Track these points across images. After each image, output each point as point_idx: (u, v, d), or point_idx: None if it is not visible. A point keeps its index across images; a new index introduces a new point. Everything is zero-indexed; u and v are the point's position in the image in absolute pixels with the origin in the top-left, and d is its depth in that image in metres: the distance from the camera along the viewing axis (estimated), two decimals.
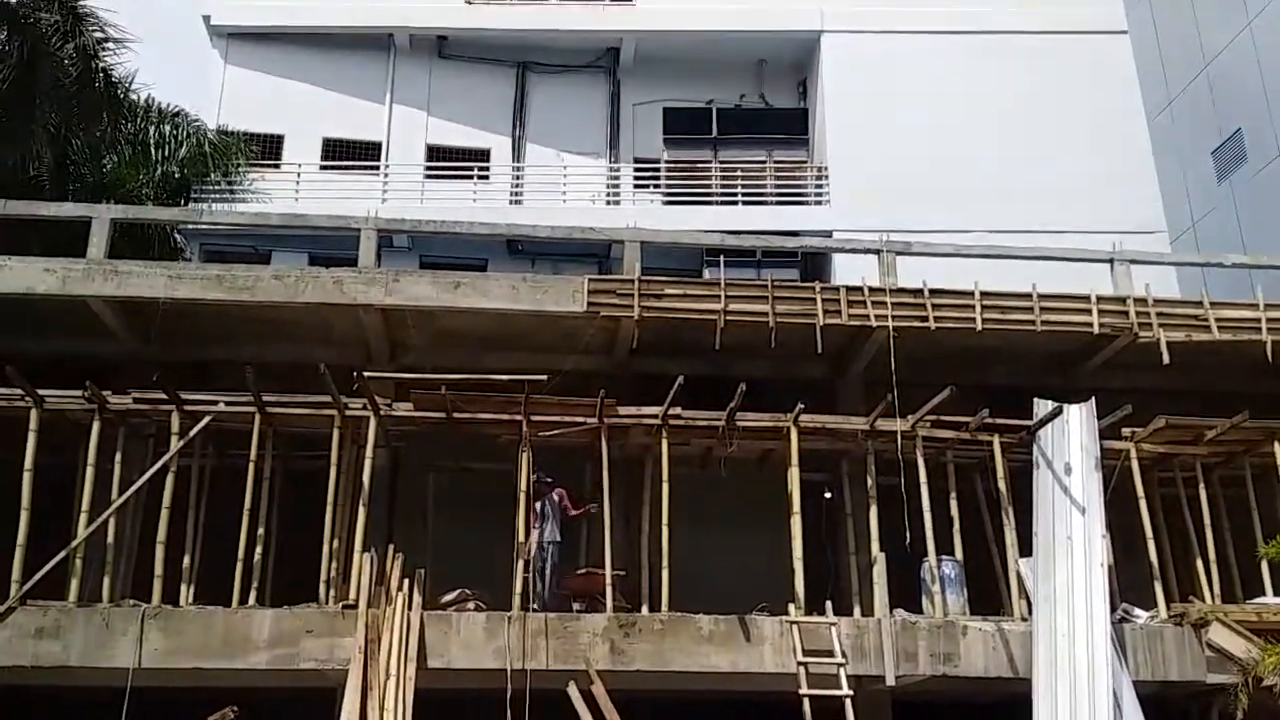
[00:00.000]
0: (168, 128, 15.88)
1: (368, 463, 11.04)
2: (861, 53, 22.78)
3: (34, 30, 13.13)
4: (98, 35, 14.12)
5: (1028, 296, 12.52)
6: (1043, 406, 11.57)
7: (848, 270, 17.93)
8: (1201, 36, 17.84)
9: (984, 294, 12.52)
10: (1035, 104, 21.85)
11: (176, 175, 17.66)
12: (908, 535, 11.05)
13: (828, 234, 20.92)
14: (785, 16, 23.48)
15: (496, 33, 23.86)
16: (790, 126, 23.60)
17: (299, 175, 22.39)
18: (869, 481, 11.57)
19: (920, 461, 11.50)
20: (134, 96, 16.34)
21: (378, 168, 23.09)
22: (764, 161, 23.02)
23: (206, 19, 23.16)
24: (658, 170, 23.16)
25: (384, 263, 14.80)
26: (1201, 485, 12.02)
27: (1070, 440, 11.34)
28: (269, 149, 22.47)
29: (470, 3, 24.04)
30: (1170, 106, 18.76)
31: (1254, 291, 12.90)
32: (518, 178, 23.42)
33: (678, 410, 11.43)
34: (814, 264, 21.26)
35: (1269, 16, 16.27)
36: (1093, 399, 11.70)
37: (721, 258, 19.17)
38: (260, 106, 22.63)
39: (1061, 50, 22.36)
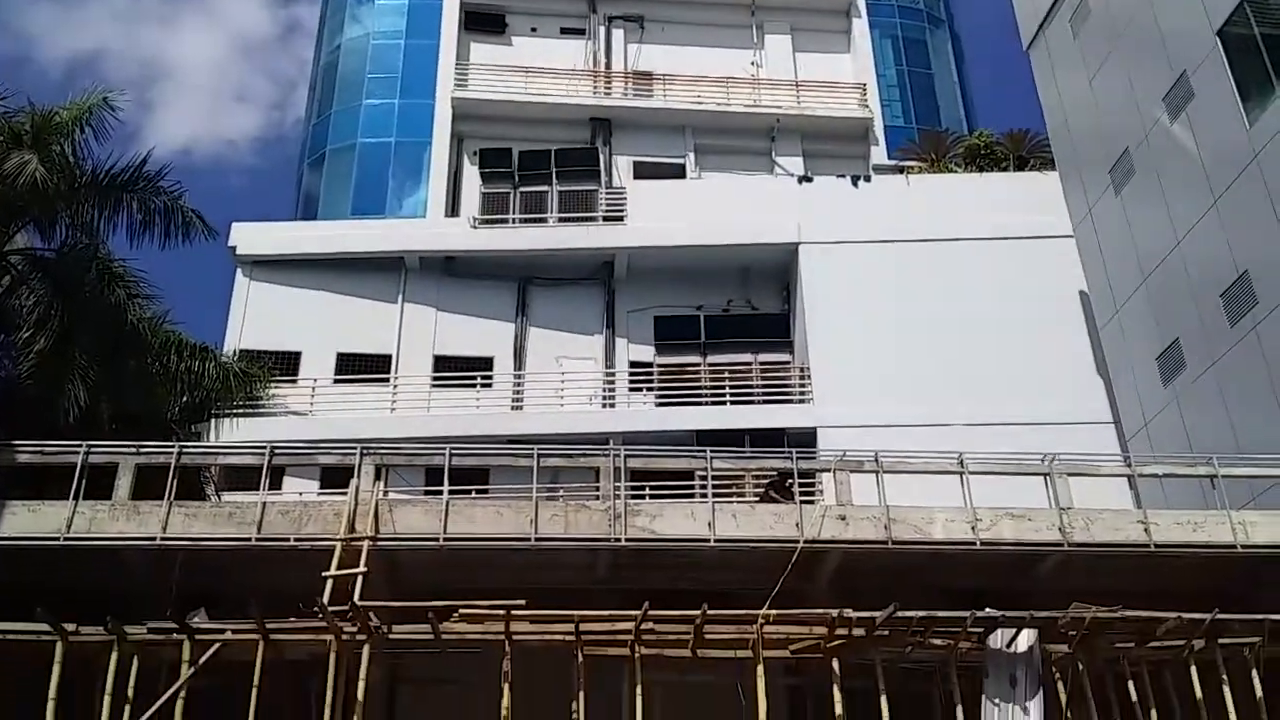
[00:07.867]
0: (196, 362, 17.35)
1: (361, 683, 11.85)
2: (835, 260, 24.47)
3: (77, 291, 14.86)
4: (131, 290, 15.90)
5: (968, 511, 13.57)
6: (992, 615, 12.35)
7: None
8: (1139, 252, 19.27)
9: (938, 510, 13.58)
10: (998, 303, 23.30)
11: (199, 400, 19.06)
12: None
13: (811, 431, 22.23)
14: (765, 229, 25.33)
15: (499, 253, 25.82)
16: (774, 330, 25.17)
17: (314, 390, 23.94)
18: (835, 690, 12.21)
19: (878, 664, 12.22)
20: (167, 332, 17.76)
21: (388, 379, 24.64)
22: (750, 364, 24.45)
23: (232, 249, 25.25)
24: (650, 373, 24.58)
25: (390, 478, 15.79)
26: (1148, 680, 12.64)
27: (1016, 652, 12.10)
28: (287, 365, 24.08)
29: (475, 227, 26.11)
30: (1118, 316, 20.09)
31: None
32: (518, 385, 24.86)
33: (650, 625, 12.22)
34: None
35: (1196, 236, 17.74)
36: (1035, 631, 12.33)
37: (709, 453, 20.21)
38: (280, 326, 24.50)
39: (1022, 253, 23.97)
